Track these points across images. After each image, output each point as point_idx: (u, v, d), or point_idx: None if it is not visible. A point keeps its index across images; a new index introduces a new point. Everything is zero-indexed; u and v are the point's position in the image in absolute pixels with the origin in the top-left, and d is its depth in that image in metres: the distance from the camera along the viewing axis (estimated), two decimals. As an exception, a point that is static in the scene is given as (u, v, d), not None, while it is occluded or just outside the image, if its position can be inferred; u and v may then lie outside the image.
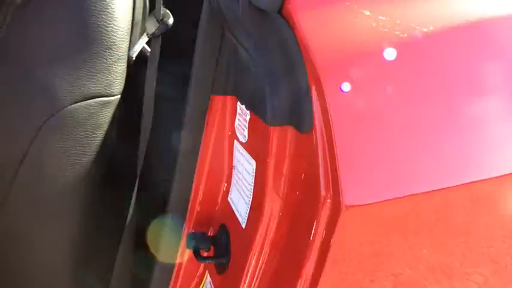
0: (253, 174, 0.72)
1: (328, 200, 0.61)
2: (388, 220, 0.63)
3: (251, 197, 0.73)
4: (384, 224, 0.63)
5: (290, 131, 0.66)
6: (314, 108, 0.61)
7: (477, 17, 0.70)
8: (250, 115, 0.72)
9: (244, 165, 0.75)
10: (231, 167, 0.81)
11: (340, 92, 0.61)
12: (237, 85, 0.74)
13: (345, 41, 0.63)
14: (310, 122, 0.61)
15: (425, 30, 0.67)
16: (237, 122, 0.77)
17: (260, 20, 0.65)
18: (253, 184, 0.73)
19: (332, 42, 0.63)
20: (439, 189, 0.63)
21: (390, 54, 0.64)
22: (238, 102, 0.76)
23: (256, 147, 0.71)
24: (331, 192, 0.61)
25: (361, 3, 0.66)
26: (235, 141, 0.78)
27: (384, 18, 0.66)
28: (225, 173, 0.82)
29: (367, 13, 0.66)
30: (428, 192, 0.62)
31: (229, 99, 0.77)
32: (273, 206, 0.69)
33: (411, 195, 0.62)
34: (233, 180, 0.80)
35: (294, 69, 0.62)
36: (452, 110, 0.64)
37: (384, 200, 0.62)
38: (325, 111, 0.60)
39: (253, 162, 0.72)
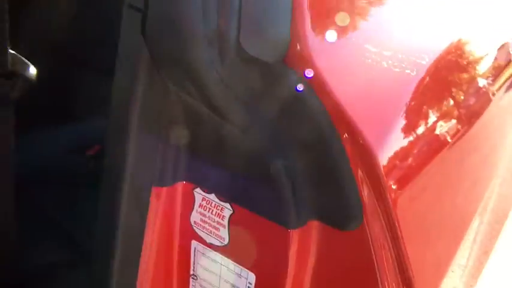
0: (251, 291, 0.50)
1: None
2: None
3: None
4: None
5: (317, 227, 0.46)
6: (365, 195, 0.43)
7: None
8: (234, 209, 0.49)
9: (224, 277, 0.52)
10: (184, 277, 0.56)
11: (397, 170, 0.45)
12: (197, 168, 0.50)
13: (377, 97, 0.46)
14: (359, 216, 0.43)
15: (424, 62, 0.55)
16: (196, 217, 0.52)
17: (255, 74, 0.43)
18: (250, 304, 0.51)
19: (362, 96, 0.45)
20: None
21: (415, 104, 0.50)
22: (198, 191, 0.51)
23: (251, 254, 0.49)
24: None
25: (363, 37, 0.50)
26: (195, 242, 0.53)
27: (388, 53, 0.51)
28: (173, 285, 0.57)
29: (373, 49, 0.50)
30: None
31: (179, 186, 0.52)
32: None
33: None
34: (195, 295, 0.56)
35: (322, 140, 0.43)
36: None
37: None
38: (382, 198, 0.43)
39: (251, 276, 0.50)
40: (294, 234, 0.46)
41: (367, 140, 0.42)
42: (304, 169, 0.43)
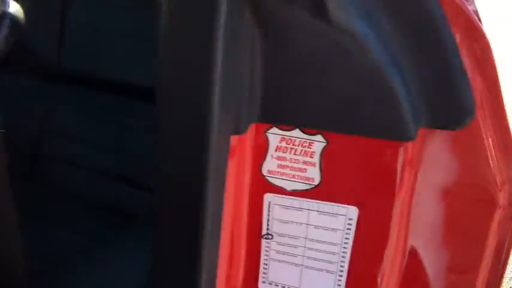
0: (352, 227, 0.46)
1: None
2: None
3: (346, 266, 0.47)
4: None
5: (425, 135, 0.44)
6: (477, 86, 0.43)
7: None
8: (328, 140, 0.44)
9: (314, 224, 0.46)
10: (254, 240, 0.48)
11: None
12: (278, 100, 0.43)
13: None
14: (473, 110, 0.43)
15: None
16: (271, 164, 0.45)
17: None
18: (350, 245, 0.46)
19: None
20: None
21: None
22: (273, 131, 0.44)
23: (352, 186, 0.45)
24: None
25: None
26: (270, 196, 0.46)
27: None
28: (242, 247, 0.49)
29: None
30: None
31: (249, 131, 0.44)
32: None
33: None
34: (269, 255, 0.49)
35: (435, 33, 0.41)
36: None
37: None
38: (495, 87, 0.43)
39: (352, 211, 0.45)
40: (407, 147, 0.43)
41: (479, 26, 0.41)
42: (417, 71, 0.41)
